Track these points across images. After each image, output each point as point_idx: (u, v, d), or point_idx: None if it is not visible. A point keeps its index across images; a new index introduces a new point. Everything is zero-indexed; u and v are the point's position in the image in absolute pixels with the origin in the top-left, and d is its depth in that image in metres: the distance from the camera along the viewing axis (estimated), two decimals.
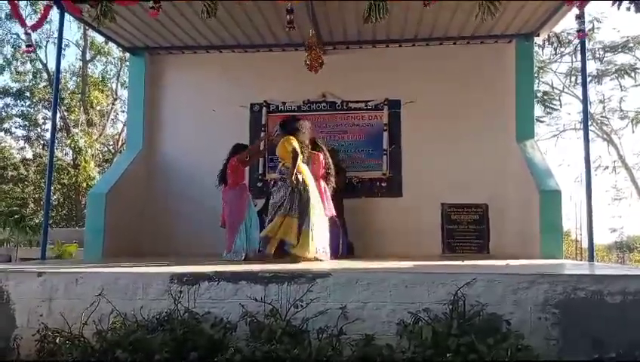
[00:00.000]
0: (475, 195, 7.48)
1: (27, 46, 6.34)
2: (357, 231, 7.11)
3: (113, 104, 20.63)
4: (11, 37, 19.52)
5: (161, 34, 7.56)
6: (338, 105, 8.00)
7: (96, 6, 5.54)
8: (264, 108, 8.05)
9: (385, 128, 7.83)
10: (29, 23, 6.59)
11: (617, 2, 5.32)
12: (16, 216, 11.63)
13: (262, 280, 3.79)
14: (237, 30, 7.43)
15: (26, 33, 6.11)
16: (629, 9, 5.23)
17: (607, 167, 16.78)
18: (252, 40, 7.79)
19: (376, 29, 7.22)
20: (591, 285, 3.63)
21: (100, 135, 20.50)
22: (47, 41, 18.53)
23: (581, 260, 10.13)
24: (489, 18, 5.45)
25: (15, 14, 6.50)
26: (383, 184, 7.77)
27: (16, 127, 21.14)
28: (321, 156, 6.26)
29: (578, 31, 6.08)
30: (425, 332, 3.31)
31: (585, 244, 9.84)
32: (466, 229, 7.49)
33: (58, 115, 14.80)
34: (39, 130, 21.26)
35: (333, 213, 6.18)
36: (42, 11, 6.14)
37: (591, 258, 6.15)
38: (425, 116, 7.65)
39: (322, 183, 6.14)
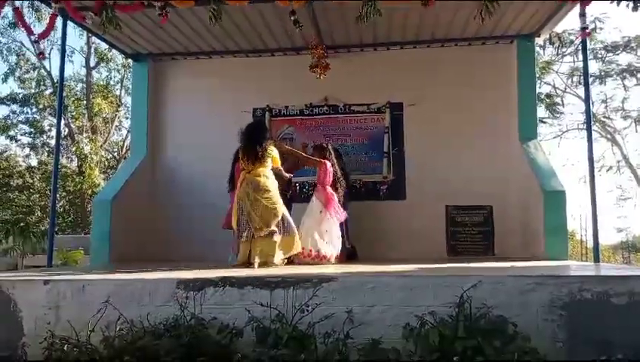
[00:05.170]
0: (479, 197, 7.46)
1: (39, 54, 6.42)
2: (361, 235, 7.10)
3: (117, 110, 20.69)
4: (15, 45, 19.67)
5: (164, 40, 7.61)
6: (340, 109, 8.02)
7: (100, 14, 5.57)
8: (267, 112, 8.08)
9: (386, 131, 7.84)
10: (33, 30, 6.69)
11: (617, 0, 5.33)
12: (21, 225, 11.70)
13: (268, 285, 3.79)
14: (239, 35, 7.46)
15: (35, 42, 6.17)
16: (628, 6, 5.24)
17: (611, 167, 16.76)
18: (254, 45, 7.81)
19: (377, 32, 7.24)
20: (597, 286, 3.61)
21: (105, 142, 20.56)
22: (51, 49, 18.60)
23: (586, 261, 10.10)
24: (490, 19, 5.47)
25: (21, 23, 6.54)
26: (386, 187, 7.78)
27: (21, 135, 21.30)
28: (329, 165, 6.29)
29: (582, 29, 6.06)
30: (431, 335, 3.30)
31: (590, 245, 9.83)
32: (470, 231, 7.47)
33: (63, 122, 14.89)
34: (44, 137, 21.38)
35: (342, 218, 6.23)
36: (48, 20, 6.17)
37: (596, 259, 6.13)
38: (427, 118, 7.66)
39: (329, 189, 6.18)
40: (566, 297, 3.59)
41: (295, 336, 3.41)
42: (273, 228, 5.47)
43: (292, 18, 5.65)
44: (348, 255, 6.58)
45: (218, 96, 8.12)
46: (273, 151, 5.74)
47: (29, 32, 6.36)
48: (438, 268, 4.96)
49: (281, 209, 5.59)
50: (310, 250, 5.95)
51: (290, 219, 5.70)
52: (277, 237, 5.50)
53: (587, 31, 6.10)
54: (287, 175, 6.04)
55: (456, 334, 3.24)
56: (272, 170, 5.70)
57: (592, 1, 5.90)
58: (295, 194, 7.23)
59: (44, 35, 6.37)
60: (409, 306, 3.62)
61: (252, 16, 6.78)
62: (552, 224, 6.55)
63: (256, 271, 4.61)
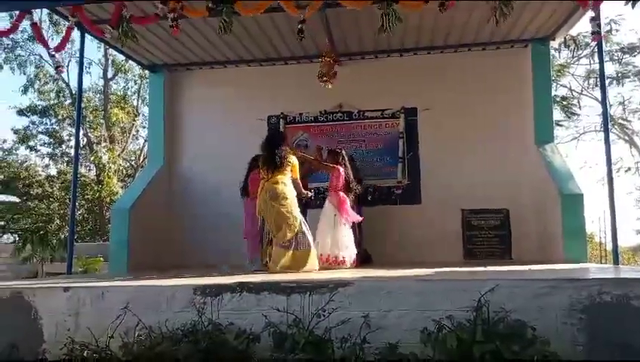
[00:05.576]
0: (496, 201, 7.42)
1: (57, 67, 6.52)
2: (376, 239, 7.11)
3: (134, 120, 20.97)
4: (34, 57, 20.04)
5: (179, 51, 7.71)
6: (355, 115, 8.04)
7: (117, 27, 5.67)
8: (281, 120, 8.13)
9: (401, 136, 7.84)
10: (52, 43, 6.79)
11: (632, 1, 5.26)
12: (41, 233, 11.86)
13: (284, 291, 3.80)
14: (253, 45, 7.54)
15: (52, 55, 6.27)
16: None
17: (629, 169, 16.48)
18: (267, 54, 7.88)
19: (390, 39, 7.25)
20: (616, 289, 3.57)
21: (123, 151, 20.83)
22: (70, 60, 18.93)
23: (606, 263, 9.95)
24: (505, 23, 5.44)
25: (38, 38, 6.65)
26: (402, 191, 7.77)
27: (41, 145, 21.65)
28: (341, 170, 6.31)
29: (593, 33, 6.01)
30: (449, 339, 3.28)
31: (609, 247, 9.68)
32: (487, 235, 7.43)
33: (81, 132, 15.13)
34: (64, 146, 21.72)
35: (355, 219, 6.25)
36: (64, 33, 6.28)
37: (616, 261, 6.05)
38: (442, 123, 7.65)
39: (341, 193, 6.21)
40: (585, 300, 3.55)
41: (312, 341, 3.42)
42: (288, 236, 5.41)
43: (299, 27, 5.65)
44: (363, 259, 6.57)
45: (233, 104, 8.20)
46: (293, 160, 5.70)
47: (46, 47, 6.43)
48: (455, 271, 4.93)
49: (297, 218, 5.49)
50: (328, 255, 5.97)
51: (306, 232, 5.57)
52: (289, 250, 5.45)
53: (601, 35, 6.01)
54: (305, 191, 5.96)
55: (475, 338, 3.22)
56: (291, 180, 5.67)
57: (606, 2, 5.84)
58: (310, 201, 7.24)
59: (59, 48, 6.47)
60: (426, 310, 3.61)
61: (265, 25, 6.84)
62: (570, 227, 6.49)
63: (273, 277, 4.63)
